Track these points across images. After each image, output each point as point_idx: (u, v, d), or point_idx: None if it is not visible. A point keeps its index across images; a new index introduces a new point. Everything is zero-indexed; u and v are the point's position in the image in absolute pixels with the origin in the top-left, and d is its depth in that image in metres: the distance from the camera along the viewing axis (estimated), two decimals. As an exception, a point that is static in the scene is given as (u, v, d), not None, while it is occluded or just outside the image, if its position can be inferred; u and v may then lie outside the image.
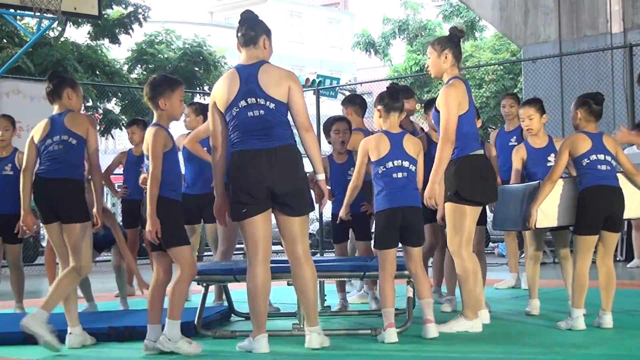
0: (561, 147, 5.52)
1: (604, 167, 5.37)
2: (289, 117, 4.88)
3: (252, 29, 4.92)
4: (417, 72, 28.36)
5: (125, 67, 21.80)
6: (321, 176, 4.93)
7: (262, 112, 4.78)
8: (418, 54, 29.37)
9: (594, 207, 5.35)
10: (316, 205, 5.04)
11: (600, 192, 5.35)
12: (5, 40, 18.28)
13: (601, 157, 5.38)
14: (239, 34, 4.94)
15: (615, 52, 13.64)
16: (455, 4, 29.02)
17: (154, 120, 4.99)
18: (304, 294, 4.88)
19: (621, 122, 12.83)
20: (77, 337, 5.22)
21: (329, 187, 6.51)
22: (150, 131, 4.88)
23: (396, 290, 5.33)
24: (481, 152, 5.47)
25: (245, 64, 4.89)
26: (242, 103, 4.79)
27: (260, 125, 4.77)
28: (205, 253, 15.15)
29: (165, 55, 22.14)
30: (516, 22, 15.42)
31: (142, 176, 6.36)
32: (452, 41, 5.49)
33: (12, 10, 12.02)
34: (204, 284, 5.80)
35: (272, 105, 4.78)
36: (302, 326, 5.46)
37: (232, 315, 6.49)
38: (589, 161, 5.37)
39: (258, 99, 4.78)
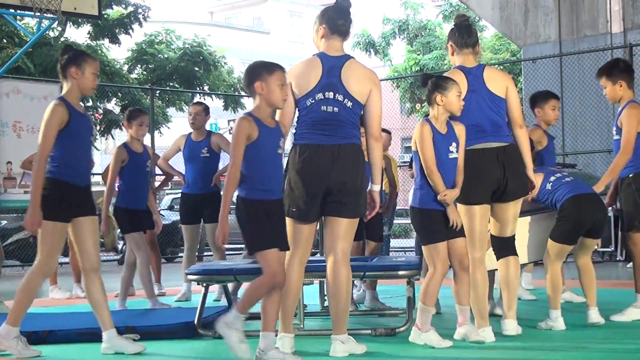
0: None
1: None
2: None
3: (350, 20, 4.76)
4: (417, 72, 28.34)
5: (125, 67, 21.79)
6: (377, 187, 4.80)
7: (336, 109, 4.60)
8: (418, 54, 29.36)
9: (576, 218, 5.39)
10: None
11: (585, 201, 5.40)
12: (5, 40, 18.27)
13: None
14: (340, 22, 4.71)
15: (615, 52, 13.63)
16: (455, 4, 29.01)
17: (252, 112, 4.50)
18: (334, 297, 4.62)
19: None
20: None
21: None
22: (236, 122, 4.47)
23: (396, 291, 5.33)
24: (481, 146, 5.06)
25: (330, 55, 4.68)
26: (319, 95, 4.61)
27: (330, 121, 4.59)
28: (205, 253, 15.17)
29: (165, 55, 22.13)
30: (516, 22, 15.42)
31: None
32: (452, 31, 5.30)
33: (12, 10, 12.00)
34: (204, 284, 5.80)
35: (349, 104, 4.61)
36: (302, 326, 5.46)
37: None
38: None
39: (337, 95, 4.61)
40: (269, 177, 4.40)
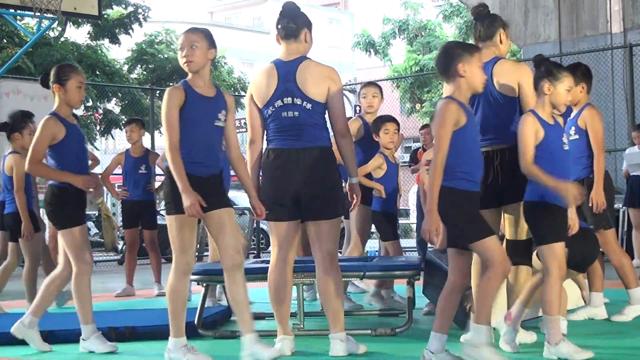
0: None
1: None
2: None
3: (293, 22, 4.70)
4: (417, 72, 28.36)
5: (125, 67, 21.81)
6: (355, 180, 4.83)
7: (296, 113, 4.62)
8: (418, 54, 29.39)
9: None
10: None
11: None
12: (5, 40, 18.29)
13: None
14: (279, 26, 4.72)
15: (615, 52, 13.63)
16: (455, 4, 29.02)
17: (450, 94, 4.21)
18: (325, 298, 4.66)
19: (621, 122, 12.85)
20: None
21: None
22: (439, 104, 4.19)
23: (396, 291, 5.31)
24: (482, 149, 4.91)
25: (284, 60, 4.70)
26: (278, 102, 4.63)
27: (293, 126, 4.62)
28: (205, 253, 15.15)
29: (165, 55, 22.16)
30: (516, 22, 15.42)
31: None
32: (474, 21, 5.05)
33: (12, 10, 12.01)
34: (204, 284, 5.80)
35: (308, 106, 4.61)
36: (302, 326, 5.46)
37: (232, 315, 6.49)
38: None
39: (295, 99, 4.62)
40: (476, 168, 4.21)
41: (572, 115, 5.80)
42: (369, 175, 6.62)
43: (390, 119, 6.74)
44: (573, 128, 5.78)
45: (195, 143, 4.43)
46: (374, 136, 6.70)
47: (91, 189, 5.07)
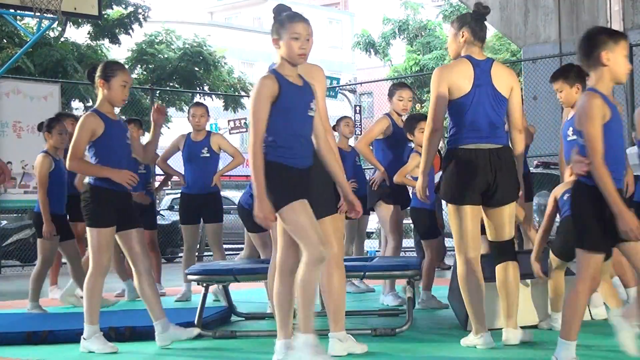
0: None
1: None
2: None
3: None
4: (417, 72, 28.37)
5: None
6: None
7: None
8: (418, 54, 29.40)
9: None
10: None
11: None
12: (5, 41, 18.29)
13: None
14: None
15: (615, 52, 13.63)
16: (455, 4, 29.02)
17: (592, 85, 3.90)
18: (329, 296, 4.61)
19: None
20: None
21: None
22: (582, 98, 3.88)
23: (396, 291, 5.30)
24: (474, 146, 4.76)
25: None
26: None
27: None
28: (205, 253, 15.16)
29: (165, 55, 22.14)
30: (516, 22, 15.42)
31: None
32: (467, 16, 4.93)
33: (12, 11, 12.02)
34: (204, 284, 5.80)
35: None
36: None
37: (232, 315, 6.49)
38: None
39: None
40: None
41: (569, 116, 5.78)
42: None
43: (424, 117, 6.67)
44: (571, 129, 5.74)
45: (291, 134, 4.19)
46: (407, 135, 6.75)
47: (130, 185, 5.01)
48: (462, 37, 4.85)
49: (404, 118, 7.03)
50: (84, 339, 5.05)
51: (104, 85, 5.01)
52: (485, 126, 4.78)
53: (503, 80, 4.84)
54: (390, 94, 7.10)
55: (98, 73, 5.03)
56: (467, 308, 4.87)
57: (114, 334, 5.39)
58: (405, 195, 6.99)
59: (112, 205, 5.03)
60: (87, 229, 5.03)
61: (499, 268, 4.94)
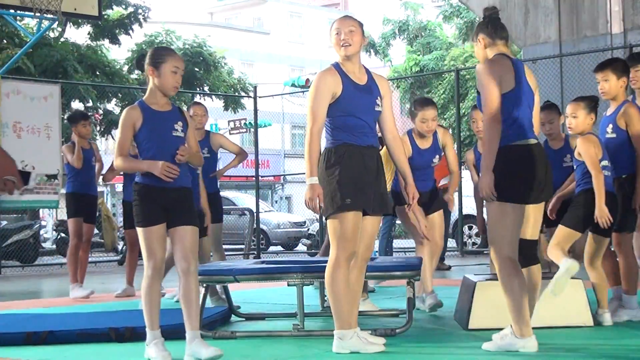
0: (588, 147, 5.39)
1: (607, 173, 5.44)
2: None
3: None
4: (417, 72, 28.38)
5: (126, 68, 21.81)
6: (311, 180, 4.66)
7: None
8: (418, 55, 29.41)
9: (592, 209, 5.31)
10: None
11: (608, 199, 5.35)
12: (5, 41, 18.30)
13: (605, 163, 5.44)
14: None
15: (615, 52, 13.63)
16: (455, 5, 29.03)
17: None
18: (329, 295, 4.70)
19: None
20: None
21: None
22: None
23: (395, 291, 5.31)
24: (527, 142, 4.64)
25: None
26: None
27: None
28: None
29: (165, 56, 22.15)
30: (516, 23, 15.42)
31: None
32: (482, 24, 4.88)
33: (12, 11, 12.02)
34: (204, 285, 5.80)
35: None
36: (302, 326, 5.46)
37: (232, 315, 6.49)
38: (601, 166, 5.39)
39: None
40: None
41: (609, 111, 5.76)
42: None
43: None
44: (610, 126, 5.69)
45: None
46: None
47: (171, 177, 4.56)
48: (481, 43, 4.81)
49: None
50: (146, 345, 4.77)
51: (153, 72, 4.70)
52: (527, 122, 4.69)
53: (530, 79, 4.82)
54: (412, 115, 6.49)
55: (147, 61, 4.73)
56: (512, 312, 4.59)
57: (114, 334, 5.38)
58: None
59: (156, 202, 4.63)
60: (136, 230, 4.73)
61: (524, 271, 4.71)
